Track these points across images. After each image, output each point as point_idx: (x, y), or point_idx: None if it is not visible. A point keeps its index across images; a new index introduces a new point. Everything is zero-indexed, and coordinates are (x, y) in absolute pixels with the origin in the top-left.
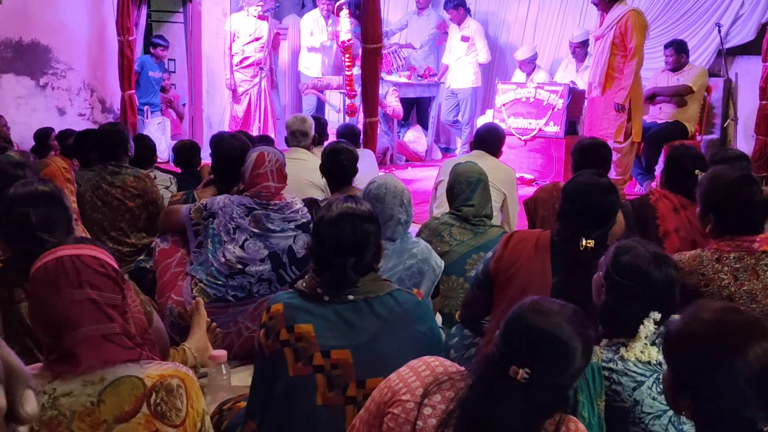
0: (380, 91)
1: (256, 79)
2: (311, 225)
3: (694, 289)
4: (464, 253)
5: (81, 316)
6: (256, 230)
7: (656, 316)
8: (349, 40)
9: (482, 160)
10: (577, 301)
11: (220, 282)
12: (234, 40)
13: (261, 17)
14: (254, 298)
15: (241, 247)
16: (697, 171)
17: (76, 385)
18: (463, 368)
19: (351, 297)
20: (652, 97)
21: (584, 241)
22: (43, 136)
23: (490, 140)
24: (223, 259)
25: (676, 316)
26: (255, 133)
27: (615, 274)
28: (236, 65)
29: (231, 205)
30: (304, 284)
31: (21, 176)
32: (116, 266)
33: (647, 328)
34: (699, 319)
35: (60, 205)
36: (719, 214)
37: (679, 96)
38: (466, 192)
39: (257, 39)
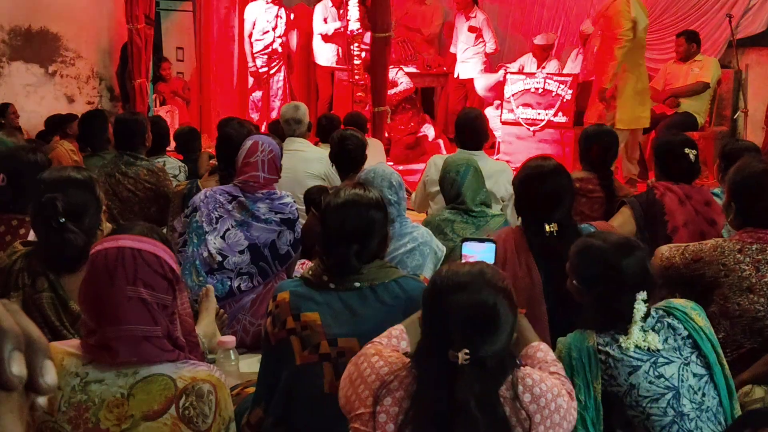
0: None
1: (276, 66)
2: (297, 223)
3: (713, 279)
4: None
5: (128, 313)
6: (239, 216)
7: (643, 296)
8: (358, 29)
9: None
10: (567, 295)
11: (201, 278)
12: (253, 28)
13: (275, 2)
14: (236, 296)
15: (222, 237)
16: (687, 150)
17: (109, 374)
18: (407, 359)
19: (357, 284)
20: (669, 98)
21: (548, 227)
22: (58, 123)
23: (468, 134)
24: (205, 254)
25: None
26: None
27: (587, 276)
28: (256, 52)
29: (214, 195)
30: (310, 272)
31: (34, 161)
32: (174, 266)
33: (639, 310)
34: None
35: (91, 194)
36: (740, 205)
37: (696, 94)
38: (457, 180)
39: (275, 28)
